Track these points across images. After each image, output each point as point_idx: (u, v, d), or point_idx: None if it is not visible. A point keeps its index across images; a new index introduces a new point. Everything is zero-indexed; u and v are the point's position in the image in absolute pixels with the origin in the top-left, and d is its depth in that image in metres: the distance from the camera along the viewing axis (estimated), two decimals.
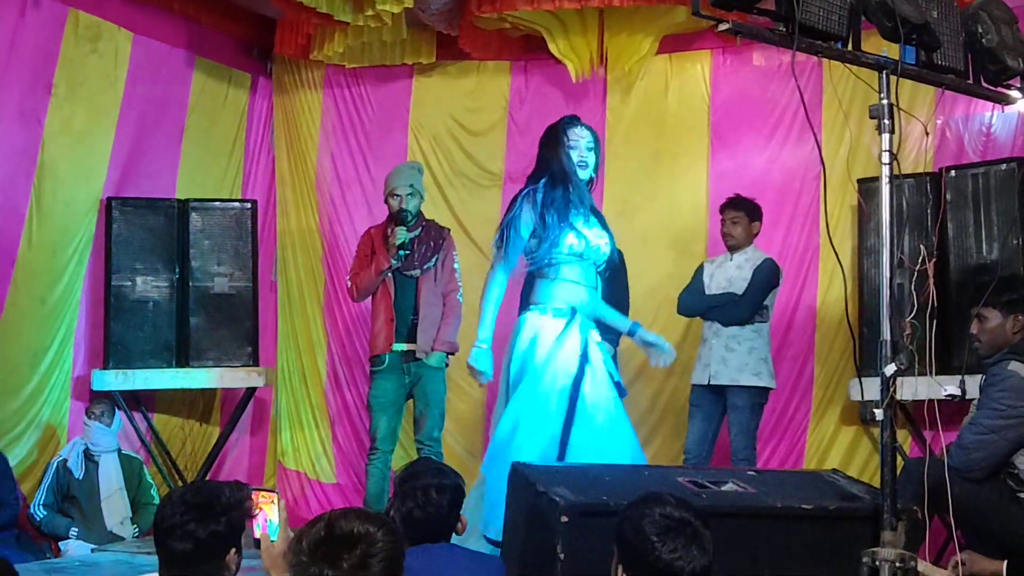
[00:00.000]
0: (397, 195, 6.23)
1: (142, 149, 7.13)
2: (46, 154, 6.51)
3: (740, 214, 6.17)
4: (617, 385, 4.89)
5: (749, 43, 6.95)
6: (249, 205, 7.37)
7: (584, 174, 4.97)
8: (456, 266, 6.37)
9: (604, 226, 5.02)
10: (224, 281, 7.13)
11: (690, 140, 7.28)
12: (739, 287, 6.06)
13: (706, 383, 6.05)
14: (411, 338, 6.18)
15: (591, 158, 4.99)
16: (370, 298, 6.37)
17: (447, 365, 6.31)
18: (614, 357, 5.42)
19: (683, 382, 6.65)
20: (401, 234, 6.14)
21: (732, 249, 6.18)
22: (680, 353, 6.87)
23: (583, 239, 4.86)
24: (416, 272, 6.23)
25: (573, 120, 5.06)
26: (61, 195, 6.64)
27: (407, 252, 6.16)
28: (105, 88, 6.87)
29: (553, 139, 4.99)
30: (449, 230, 6.54)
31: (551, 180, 4.89)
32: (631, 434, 4.86)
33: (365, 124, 7.96)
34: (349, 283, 6.43)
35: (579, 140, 4.97)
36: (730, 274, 6.13)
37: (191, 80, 7.47)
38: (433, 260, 6.27)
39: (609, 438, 4.70)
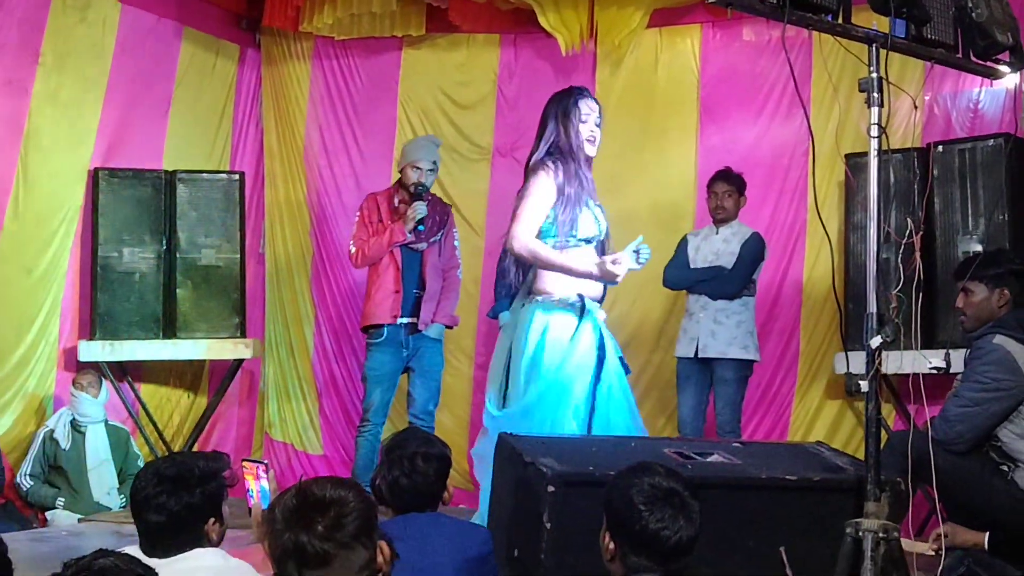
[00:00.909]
0: (418, 168, 6.22)
1: (129, 119, 7.10)
2: (33, 124, 6.49)
3: (732, 188, 6.21)
4: (621, 361, 4.68)
5: (739, 18, 6.95)
6: (237, 177, 7.35)
7: (592, 150, 4.69)
8: (456, 243, 6.43)
9: (598, 203, 4.77)
10: (211, 252, 7.12)
11: (679, 115, 7.27)
12: (726, 260, 6.10)
13: (693, 356, 6.09)
14: (414, 312, 6.19)
15: (599, 135, 4.72)
16: (366, 267, 6.37)
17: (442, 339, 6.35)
18: None
19: (668, 356, 6.68)
20: (421, 209, 6.14)
21: (721, 222, 6.21)
22: (667, 328, 6.94)
23: (596, 222, 4.63)
24: (423, 246, 6.24)
25: (584, 92, 4.76)
26: (48, 165, 6.61)
27: (424, 228, 6.17)
28: (93, 58, 6.84)
29: (563, 111, 4.66)
30: (451, 207, 6.55)
31: (560, 155, 4.60)
32: (638, 419, 4.76)
33: (354, 96, 7.93)
34: (353, 248, 6.33)
35: (590, 115, 4.67)
36: (717, 247, 6.17)
37: (179, 51, 7.44)
38: (439, 234, 6.29)
39: (623, 429, 4.60)
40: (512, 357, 4.59)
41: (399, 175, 6.42)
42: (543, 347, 4.49)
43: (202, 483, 2.89)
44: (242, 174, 7.42)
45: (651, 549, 2.57)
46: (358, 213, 6.41)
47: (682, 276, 6.26)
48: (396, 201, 6.29)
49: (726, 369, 6.07)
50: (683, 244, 6.32)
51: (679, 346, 6.23)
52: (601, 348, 4.54)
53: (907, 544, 3.75)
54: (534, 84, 7.54)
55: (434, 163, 6.31)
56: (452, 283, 6.35)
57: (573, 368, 4.47)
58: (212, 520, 2.91)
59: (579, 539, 3.13)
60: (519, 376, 4.52)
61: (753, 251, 6.12)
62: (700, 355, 6.08)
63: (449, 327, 6.41)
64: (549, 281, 4.58)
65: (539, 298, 4.58)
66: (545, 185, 4.55)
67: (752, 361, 6.16)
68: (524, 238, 4.52)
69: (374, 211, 6.31)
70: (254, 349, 7.27)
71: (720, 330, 6.05)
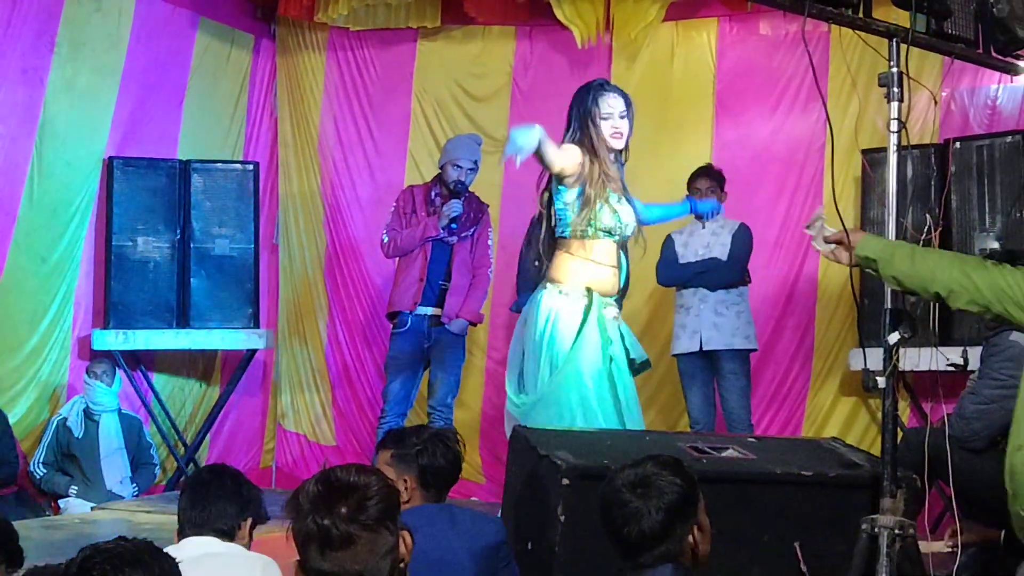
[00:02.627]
0: (459, 166, 6.23)
1: (144, 109, 7.11)
2: (48, 113, 6.51)
3: (715, 183, 6.22)
4: (631, 363, 4.65)
5: (756, 12, 6.93)
6: (251, 167, 7.36)
7: (619, 143, 4.67)
8: (490, 243, 6.42)
9: (630, 199, 4.74)
10: (225, 242, 7.13)
11: (695, 109, 7.25)
12: (718, 252, 6.13)
13: (697, 350, 6.08)
14: (438, 302, 6.20)
15: (625, 127, 4.67)
16: (396, 257, 6.40)
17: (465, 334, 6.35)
18: None
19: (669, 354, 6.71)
20: (456, 207, 6.14)
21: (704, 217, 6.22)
22: (661, 326, 6.91)
23: (616, 216, 4.61)
24: (453, 240, 6.24)
25: (604, 86, 4.72)
26: (63, 154, 6.63)
27: (457, 226, 6.17)
28: (108, 47, 6.85)
29: (583, 110, 4.64)
30: (488, 206, 6.54)
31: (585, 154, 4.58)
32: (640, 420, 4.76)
33: (368, 88, 7.92)
34: (386, 238, 6.30)
35: (612, 111, 4.63)
36: (706, 240, 6.19)
37: (194, 40, 7.44)
38: (472, 231, 6.29)
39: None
40: (525, 344, 4.63)
41: (439, 170, 6.41)
42: (552, 336, 4.51)
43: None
44: (256, 164, 7.43)
45: (613, 540, 2.56)
46: (394, 204, 6.42)
47: (677, 272, 6.25)
48: (433, 195, 6.30)
49: (732, 361, 6.07)
50: (669, 242, 6.31)
51: (678, 343, 6.21)
52: (606, 346, 4.53)
53: (923, 546, 3.74)
54: (549, 77, 7.53)
55: (475, 162, 6.32)
56: (481, 281, 6.37)
57: (582, 359, 4.48)
58: (250, 520, 3.02)
59: (593, 532, 3.12)
60: (531, 363, 4.56)
61: (746, 239, 6.19)
62: (705, 348, 6.08)
63: (473, 324, 6.42)
64: (561, 271, 4.60)
65: (549, 286, 4.60)
66: (576, 153, 4.58)
67: (753, 350, 6.19)
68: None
69: (409, 203, 6.32)
70: (267, 339, 7.29)
71: (722, 321, 6.06)
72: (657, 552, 2.49)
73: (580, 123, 4.63)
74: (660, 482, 2.51)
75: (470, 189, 6.42)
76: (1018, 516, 3.10)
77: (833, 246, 3.54)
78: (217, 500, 3.05)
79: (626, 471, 2.56)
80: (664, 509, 2.48)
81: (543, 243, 4.68)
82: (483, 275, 6.38)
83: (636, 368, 4.71)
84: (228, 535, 3.04)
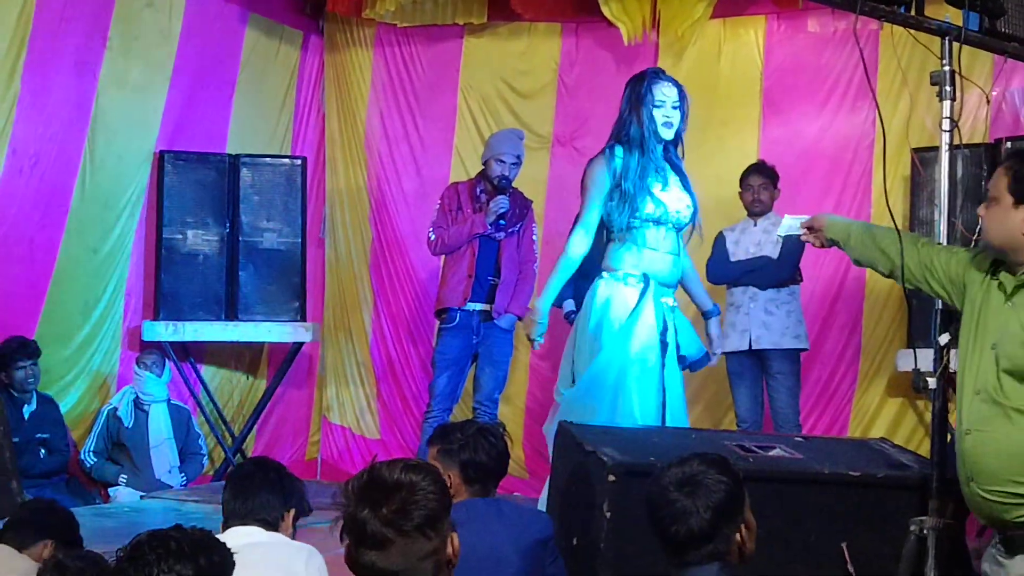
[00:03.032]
0: (502, 161, 6.24)
1: (194, 103, 7.19)
2: (100, 107, 6.58)
3: (767, 180, 6.21)
4: (682, 359, 4.64)
5: (804, 9, 6.89)
6: (299, 162, 7.42)
7: (669, 133, 4.68)
8: (535, 238, 6.43)
9: (687, 187, 4.75)
10: (273, 236, 7.19)
11: (741, 107, 7.21)
12: (769, 251, 6.10)
13: (746, 349, 6.07)
14: (488, 298, 6.22)
15: (676, 116, 4.68)
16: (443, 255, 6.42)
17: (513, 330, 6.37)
18: None
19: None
20: (503, 203, 6.16)
21: (758, 215, 6.20)
22: (701, 321, 6.86)
23: (661, 205, 4.60)
24: (501, 236, 6.26)
25: (658, 74, 4.75)
26: (114, 147, 6.71)
27: (504, 222, 6.19)
28: (159, 42, 6.92)
29: (636, 97, 4.65)
30: (532, 201, 6.56)
31: (628, 145, 4.62)
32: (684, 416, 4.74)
33: (415, 84, 7.95)
34: (433, 236, 6.32)
35: (665, 99, 4.64)
36: (758, 239, 6.16)
37: (244, 36, 7.51)
38: (518, 226, 6.30)
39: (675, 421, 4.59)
40: (577, 336, 4.63)
41: (483, 166, 6.42)
42: (605, 320, 4.52)
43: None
44: (304, 159, 7.49)
45: (661, 538, 2.54)
46: (439, 201, 6.42)
47: (727, 270, 6.23)
48: (478, 191, 6.31)
49: (782, 360, 6.05)
50: (720, 240, 6.29)
51: (727, 341, 6.14)
52: (663, 333, 4.52)
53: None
54: (595, 73, 7.53)
55: (518, 157, 6.32)
56: (528, 276, 6.37)
57: (635, 343, 4.48)
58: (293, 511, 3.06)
59: (638, 529, 3.13)
60: (584, 349, 4.56)
61: (798, 238, 6.09)
62: (754, 347, 6.05)
63: (521, 318, 6.42)
64: (615, 259, 4.62)
65: (605, 274, 4.62)
66: (598, 176, 4.63)
67: (803, 350, 6.16)
68: (572, 249, 4.68)
69: (454, 200, 6.32)
70: (313, 333, 7.34)
71: (772, 320, 6.03)
72: (704, 551, 2.49)
73: (631, 108, 4.65)
74: (707, 480, 2.50)
75: (513, 184, 6.44)
76: (979, 497, 3.09)
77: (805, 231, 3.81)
78: (260, 491, 3.09)
79: (673, 469, 2.55)
80: (712, 508, 2.47)
81: (602, 239, 4.70)
82: (529, 270, 6.39)
83: (688, 364, 4.70)
84: (272, 525, 3.08)
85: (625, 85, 4.76)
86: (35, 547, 3.47)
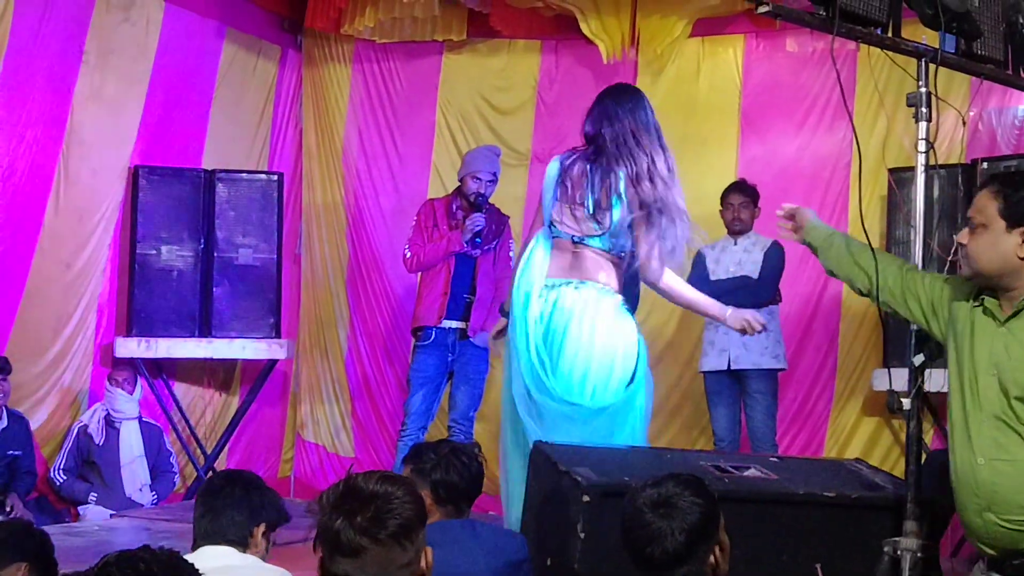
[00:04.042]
0: (478, 179, 6.22)
1: (170, 118, 7.14)
2: (75, 121, 6.54)
3: (748, 199, 6.20)
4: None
5: (782, 29, 6.91)
6: (276, 177, 7.38)
7: None
8: (512, 254, 6.38)
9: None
10: (249, 252, 7.14)
11: (720, 125, 7.24)
12: (750, 270, 6.10)
13: (725, 368, 6.05)
14: (464, 316, 6.19)
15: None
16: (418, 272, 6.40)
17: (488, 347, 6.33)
18: None
19: (687, 369, 6.81)
20: (479, 221, 6.14)
21: (738, 233, 6.19)
22: (686, 341, 6.89)
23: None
24: (477, 253, 6.23)
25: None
26: (89, 162, 6.66)
27: (481, 240, 6.17)
28: (136, 57, 6.88)
29: (649, 124, 4.46)
30: (509, 218, 6.54)
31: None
32: None
33: (393, 100, 7.94)
34: (408, 253, 6.28)
35: None
36: (738, 258, 6.16)
37: (221, 51, 7.47)
38: (494, 244, 6.28)
39: None
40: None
41: (459, 183, 6.40)
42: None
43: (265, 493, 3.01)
44: (281, 175, 7.45)
45: (635, 559, 2.53)
46: (415, 218, 6.40)
47: (707, 289, 6.16)
48: (454, 208, 6.29)
49: (760, 381, 6.04)
50: (700, 258, 6.28)
51: (706, 360, 6.19)
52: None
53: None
54: (574, 91, 7.52)
55: (493, 174, 6.30)
56: (504, 293, 6.33)
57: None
58: (263, 527, 2.98)
59: (613, 549, 3.10)
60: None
61: (779, 258, 6.15)
62: (733, 367, 6.05)
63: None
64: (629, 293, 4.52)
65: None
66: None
67: (781, 370, 6.17)
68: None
69: (430, 217, 6.30)
70: (288, 350, 7.29)
71: (752, 341, 5.97)
72: (679, 572, 2.48)
73: (639, 131, 4.40)
74: (682, 503, 2.49)
75: (491, 200, 6.43)
76: (995, 526, 3.08)
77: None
78: (226, 509, 3.02)
79: (647, 490, 2.54)
80: (687, 530, 2.46)
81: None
82: (505, 287, 6.35)
83: None
84: (241, 544, 3.03)
85: (624, 94, 4.56)
86: (8, 569, 3.41)
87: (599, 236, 4.33)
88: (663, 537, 2.46)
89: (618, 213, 4.29)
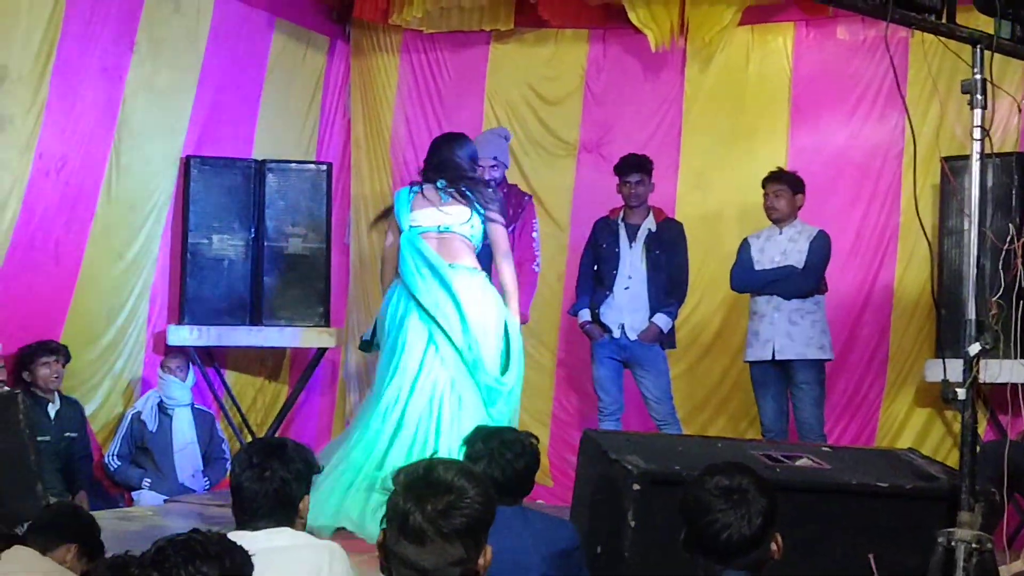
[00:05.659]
0: (480, 165, 6.20)
1: (221, 109, 7.19)
2: (126, 111, 6.59)
3: (783, 187, 6.15)
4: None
5: (834, 16, 6.85)
6: (325, 167, 7.42)
7: None
8: (535, 235, 6.33)
9: None
10: (298, 241, 7.19)
11: (770, 115, 7.17)
12: (795, 259, 6.05)
13: (770, 359, 6.02)
14: None
15: None
16: None
17: None
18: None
19: (734, 360, 6.79)
20: None
21: (777, 222, 6.17)
22: (733, 332, 6.86)
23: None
24: None
25: None
26: (141, 152, 6.72)
27: None
28: (186, 47, 6.93)
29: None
30: (531, 197, 6.52)
31: None
32: None
33: (441, 90, 7.95)
34: None
35: None
36: (783, 247, 6.11)
37: (270, 41, 7.51)
38: (512, 227, 6.23)
39: None
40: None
41: None
42: None
43: (299, 459, 2.95)
44: (330, 165, 7.49)
45: (704, 545, 2.54)
46: None
47: (751, 278, 6.17)
48: None
49: (806, 371, 6.00)
50: (745, 246, 6.25)
51: (751, 351, 6.15)
52: None
53: (1003, 570, 3.67)
54: (622, 80, 7.51)
55: (496, 158, 6.23)
56: (527, 277, 6.24)
57: None
58: (306, 497, 2.96)
59: (663, 538, 3.11)
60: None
61: (824, 247, 6.09)
62: (778, 357, 6.01)
63: (521, 322, 6.33)
64: None
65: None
66: None
67: (828, 360, 6.11)
68: None
69: None
70: (337, 338, 7.34)
71: (796, 331, 5.98)
72: (751, 557, 2.52)
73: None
74: (752, 489, 2.54)
75: (513, 183, 6.40)
76: None
77: None
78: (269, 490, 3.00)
79: (716, 477, 2.58)
80: (762, 515, 2.51)
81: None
82: (528, 270, 6.25)
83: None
84: (289, 521, 3.02)
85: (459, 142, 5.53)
86: (58, 550, 3.48)
87: None
88: (739, 523, 2.50)
89: None
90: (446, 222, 5.27)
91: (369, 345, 5.50)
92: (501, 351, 5.16)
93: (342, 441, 5.27)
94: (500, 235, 5.40)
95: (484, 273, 5.35)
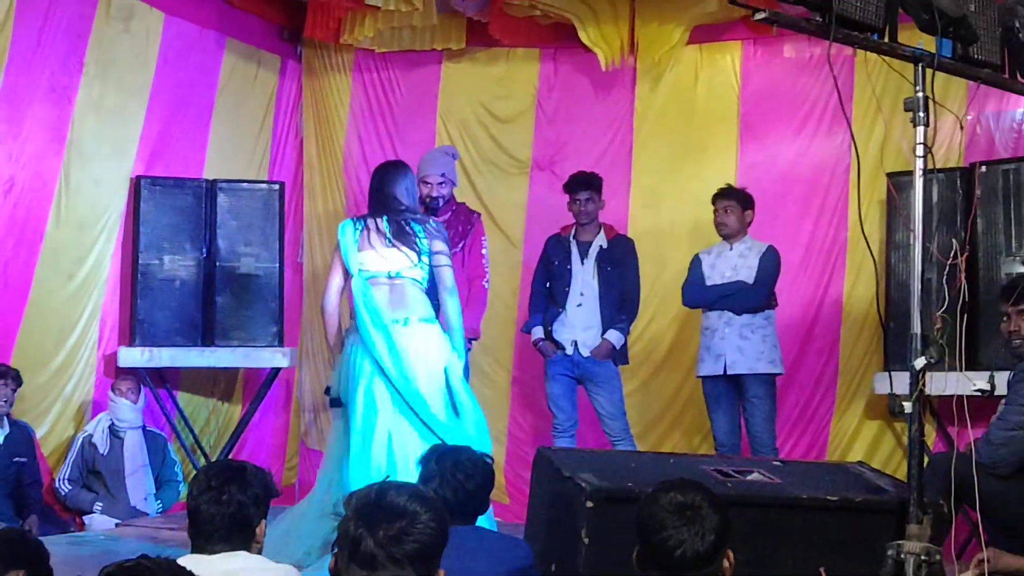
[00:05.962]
0: (428, 183, 6.21)
1: (171, 129, 7.16)
2: (76, 132, 6.55)
3: (732, 203, 6.22)
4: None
5: (780, 35, 6.92)
6: (277, 187, 7.40)
7: None
8: (484, 251, 6.34)
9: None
10: (251, 261, 7.16)
11: (719, 131, 7.25)
12: (745, 275, 6.12)
13: (722, 373, 6.08)
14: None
15: None
16: None
17: (468, 350, 6.29)
18: None
19: (685, 375, 6.83)
20: None
21: (727, 238, 6.23)
22: (686, 347, 6.91)
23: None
24: None
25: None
26: (90, 173, 6.67)
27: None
28: (136, 68, 6.90)
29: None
30: (479, 215, 6.54)
31: None
32: None
33: (393, 109, 7.96)
34: None
35: None
36: (733, 263, 6.18)
37: (221, 61, 7.49)
38: (460, 245, 6.24)
39: None
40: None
41: None
42: None
43: (257, 483, 2.94)
44: (282, 184, 7.47)
45: (658, 561, 2.56)
46: None
47: (703, 294, 6.24)
48: None
49: (757, 385, 6.06)
50: (696, 262, 6.31)
51: (703, 366, 6.20)
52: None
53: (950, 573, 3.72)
54: (574, 98, 7.56)
55: (443, 175, 6.25)
56: (477, 293, 6.26)
57: None
58: (263, 522, 2.94)
59: (617, 555, 3.12)
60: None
61: (773, 263, 6.17)
62: (729, 372, 6.06)
63: (470, 340, 6.33)
64: None
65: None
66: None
67: (778, 374, 6.17)
68: None
69: None
70: (291, 358, 7.31)
71: (747, 345, 6.04)
72: (705, 573, 2.54)
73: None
74: (705, 506, 2.56)
75: (461, 201, 6.42)
76: None
77: None
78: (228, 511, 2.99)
79: (670, 494, 2.59)
80: (715, 532, 2.53)
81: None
82: (478, 286, 6.26)
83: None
84: (245, 544, 3.00)
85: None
86: None
87: None
88: (693, 540, 2.52)
89: None
90: (395, 268, 5.09)
91: (339, 402, 5.24)
92: (445, 400, 4.99)
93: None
94: (445, 272, 5.24)
95: (437, 323, 5.19)
